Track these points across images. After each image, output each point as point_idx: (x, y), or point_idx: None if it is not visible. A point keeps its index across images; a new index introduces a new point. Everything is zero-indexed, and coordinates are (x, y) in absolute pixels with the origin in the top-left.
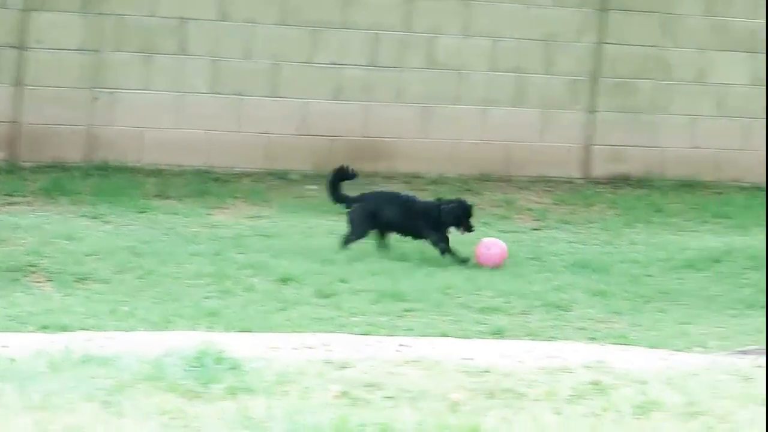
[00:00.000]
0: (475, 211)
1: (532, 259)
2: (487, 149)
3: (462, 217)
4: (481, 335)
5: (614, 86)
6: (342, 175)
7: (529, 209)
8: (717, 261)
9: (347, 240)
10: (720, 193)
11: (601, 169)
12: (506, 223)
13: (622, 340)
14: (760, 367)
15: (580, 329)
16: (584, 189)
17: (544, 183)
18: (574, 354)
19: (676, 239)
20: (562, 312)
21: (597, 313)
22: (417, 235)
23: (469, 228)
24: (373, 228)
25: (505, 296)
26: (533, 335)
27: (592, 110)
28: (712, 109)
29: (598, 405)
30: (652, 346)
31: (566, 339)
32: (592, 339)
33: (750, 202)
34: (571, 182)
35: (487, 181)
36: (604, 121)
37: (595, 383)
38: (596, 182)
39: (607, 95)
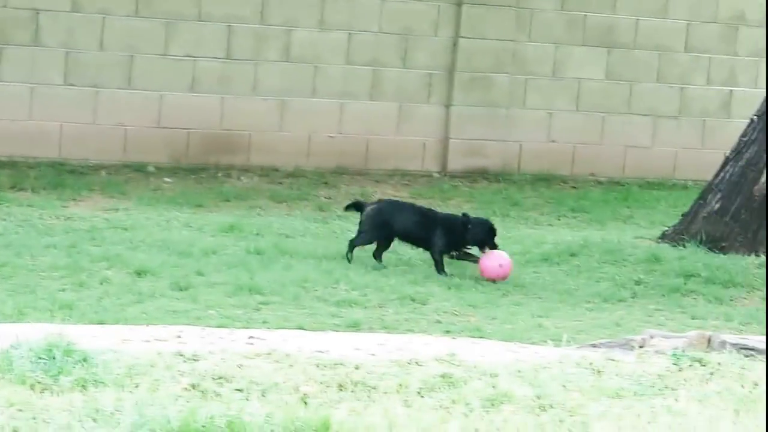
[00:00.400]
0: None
1: (388, 252)
2: (344, 142)
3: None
4: (336, 328)
5: (470, 80)
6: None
7: None
8: (573, 255)
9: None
10: (576, 188)
11: (457, 163)
12: None
13: (477, 333)
14: (611, 360)
15: (436, 322)
16: (441, 183)
17: (401, 176)
18: (426, 347)
19: (532, 233)
20: (418, 305)
21: (453, 306)
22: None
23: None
24: (385, 235)
25: (361, 289)
26: (389, 328)
27: (448, 104)
28: (568, 103)
29: (447, 398)
30: (507, 339)
31: (422, 332)
32: (448, 332)
33: (606, 196)
34: (428, 176)
35: (344, 174)
36: (460, 115)
37: (446, 376)
38: (453, 176)
39: (464, 89)
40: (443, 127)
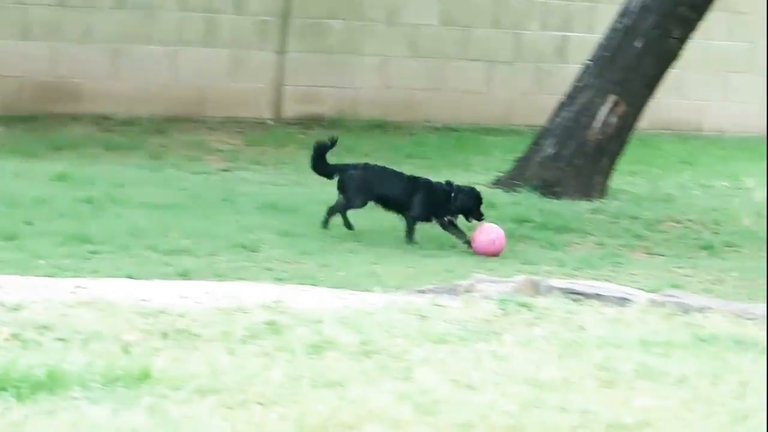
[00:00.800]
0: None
1: (222, 200)
2: (178, 90)
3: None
4: (167, 277)
5: (305, 27)
6: (323, 148)
7: (220, 150)
8: None
9: (337, 209)
10: (412, 134)
11: (292, 110)
12: (196, 165)
13: (310, 280)
14: (437, 305)
15: (268, 270)
16: (275, 130)
17: (235, 124)
18: (252, 294)
19: None
20: (251, 253)
21: (285, 253)
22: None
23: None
24: (369, 199)
25: (193, 238)
26: (220, 276)
27: (282, 51)
28: (403, 49)
29: (272, 345)
30: (339, 287)
31: (253, 280)
32: (280, 280)
33: (442, 142)
34: (262, 123)
35: (178, 122)
36: (294, 61)
37: (271, 323)
38: (287, 123)
39: (298, 36)
40: (278, 74)
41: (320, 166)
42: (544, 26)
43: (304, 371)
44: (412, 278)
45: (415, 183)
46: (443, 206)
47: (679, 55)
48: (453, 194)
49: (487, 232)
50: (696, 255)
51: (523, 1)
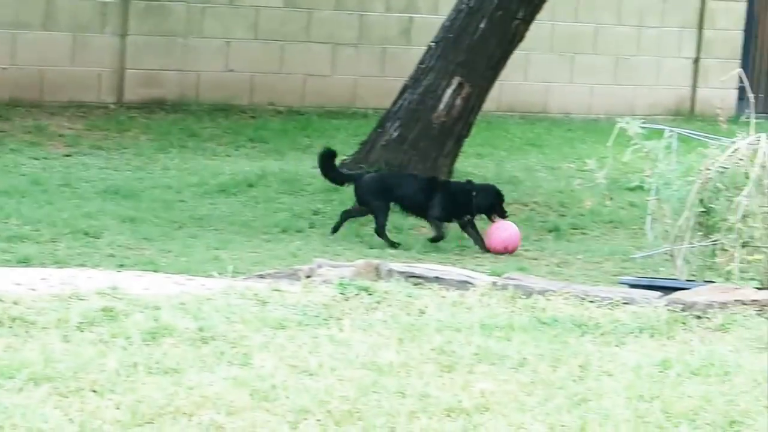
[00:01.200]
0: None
1: (62, 185)
2: (17, 74)
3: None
4: (6, 264)
5: (146, 9)
6: (329, 155)
7: (61, 135)
8: (251, 185)
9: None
10: (255, 117)
11: (134, 93)
12: (37, 150)
13: (152, 266)
14: (277, 290)
15: (109, 256)
16: (117, 114)
17: (77, 108)
18: (89, 281)
19: (210, 164)
20: (92, 239)
21: (127, 239)
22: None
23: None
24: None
25: (33, 224)
26: (61, 263)
27: (123, 33)
28: (246, 31)
29: (107, 332)
30: (181, 272)
31: (94, 266)
32: (121, 266)
33: (285, 125)
34: (104, 107)
35: (18, 107)
36: (136, 44)
37: (107, 310)
38: (129, 107)
39: (139, 18)
40: (119, 57)
41: (331, 173)
42: (389, 8)
43: (140, 358)
44: (257, 263)
45: (436, 185)
46: (466, 206)
47: (524, 36)
48: (474, 193)
49: (502, 229)
50: (542, 237)
51: None
